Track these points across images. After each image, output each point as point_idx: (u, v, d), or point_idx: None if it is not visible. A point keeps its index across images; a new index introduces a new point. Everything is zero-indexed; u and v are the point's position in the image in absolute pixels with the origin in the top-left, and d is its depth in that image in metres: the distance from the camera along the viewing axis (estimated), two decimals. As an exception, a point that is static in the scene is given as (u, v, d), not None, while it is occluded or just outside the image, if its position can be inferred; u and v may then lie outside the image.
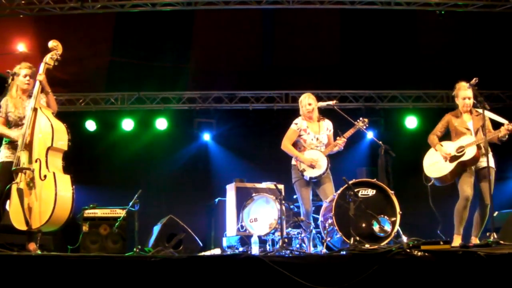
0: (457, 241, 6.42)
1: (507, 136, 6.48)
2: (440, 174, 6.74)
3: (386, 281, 4.52)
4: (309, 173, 6.91)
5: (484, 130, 6.43)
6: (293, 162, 7.10)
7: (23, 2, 9.98)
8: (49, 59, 6.22)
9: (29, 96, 6.21)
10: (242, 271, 4.54)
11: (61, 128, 6.03)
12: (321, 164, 6.90)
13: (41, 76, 6.10)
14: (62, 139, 6.01)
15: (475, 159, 6.58)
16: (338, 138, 7.07)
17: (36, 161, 5.83)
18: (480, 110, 6.55)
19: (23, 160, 5.83)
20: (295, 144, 7.15)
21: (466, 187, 6.60)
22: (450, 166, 6.67)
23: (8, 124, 6.20)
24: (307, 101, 7.21)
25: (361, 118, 7.31)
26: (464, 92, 6.79)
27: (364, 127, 7.23)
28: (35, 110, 5.99)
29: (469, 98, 6.76)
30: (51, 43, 6.30)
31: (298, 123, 7.16)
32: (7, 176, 5.94)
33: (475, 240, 6.47)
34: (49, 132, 5.90)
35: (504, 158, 10.37)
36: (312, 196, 7.14)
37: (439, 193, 6.88)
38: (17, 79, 6.26)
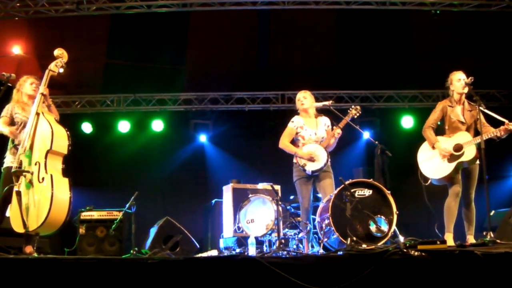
0: (449, 239, 6.42)
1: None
2: (441, 176, 6.67)
3: (383, 281, 4.52)
4: (310, 167, 6.86)
5: (480, 127, 6.42)
6: (294, 160, 7.09)
7: (18, 4, 9.96)
8: (53, 67, 6.28)
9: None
10: (239, 272, 4.54)
11: (61, 133, 6.07)
12: (320, 156, 6.88)
13: (45, 90, 6.14)
14: (62, 144, 6.04)
15: (473, 160, 6.57)
16: (334, 127, 7.07)
17: (35, 164, 5.86)
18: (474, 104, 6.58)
19: (24, 163, 5.88)
20: (295, 143, 7.14)
21: (455, 182, 6.62)
22: (450, 167, 6.60)
23: (14, 126, 6.30)
24: (302, 95, 7.26)
25: (353, 106, 7.30)
26: (457, 74, 6.77)
27: (357, 114, 7.22)
28: (37, 114, 6.04)
29: (463, 79, 6.69)
30: (57, 51, 6.35)
31: (295, 121, 7.16)
32: (11, 180, 5.96)
33: (471, 239, 6.48)
34: (49, 136, 5.93)
35: (501, 157, 10.45)
36: (312, 196, 7.12)
37: (434, 190, 6.88)
38: (23, 87, 6.45)
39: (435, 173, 6.73)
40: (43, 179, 5.77)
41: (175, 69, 12.33)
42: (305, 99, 7.22)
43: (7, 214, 6.10)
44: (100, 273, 4.52)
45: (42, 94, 6.10)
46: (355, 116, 7.21)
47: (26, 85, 6.45)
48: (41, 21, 10.52)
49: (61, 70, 6.31)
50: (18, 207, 5.72)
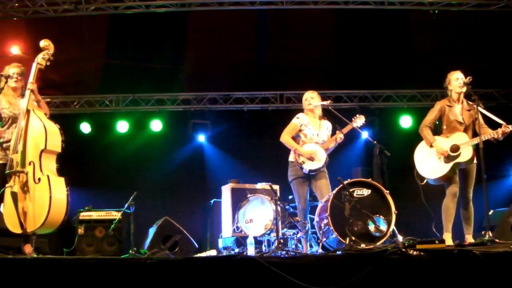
0: (448, 238, 6.42)
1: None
2: (437, 176, 6.67)
3: (382, 280, 4.52)
4: (308, 166, 6.90)
5: (479, 128, 6.43)
6: (291, 158, 7.10)
7: (16, 4, 9.97)
8: (41, 59, 6.18)
9: (22, 95, 6.19)
10: (238, 272, 4.54)
11: (54, 130, 6.01)
12: (320, 157, 6.91)
13: (32, 85, 6.05)
14: (56, 141, 5.98)
15: (470, 161, 6.58)
16: (337, 132, 7.09)
17: (29, 164, 5.80)
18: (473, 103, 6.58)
19: (17, 163, 5.82)
20: (295, 140, 7.15)
21: (452, 182, 6.63)
22: (446, 167, 6.59)
23: (1, 121, 6.21)
24: (309, 95, 7.33)
25: (357, 115, 7.35)
26: (455, 74, 6.78)
27: (361, 124, 7.26)
28: (27, 111, 5.95)
29: (461, 78, 6.70)
30: (43, 43, 6.24)
31: (300, 118, 7.20)
32: (1, 177, 5.92)
33: (469, 239, 6.48)
34: (42, 134, 5.87)
35: (499, 157, 10.46)
36: (309, 196, 7.14)
37: (432, 190, 6.88)
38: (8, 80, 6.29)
39: (432, 173, 6.73)
40: (39, 179, 5.73)
41: (174, 69, 12.31)
42: (312, 99, 7.29)
43: (1, 210, 6.05)
44: (99, 273, 4.52)
45: (31, 90, 6.01)
46: (358, 126, 7.25)
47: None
48: (40, 21, 10.52)
49: (48, 63, 6.21)
50: (13, 207, 5.67)
